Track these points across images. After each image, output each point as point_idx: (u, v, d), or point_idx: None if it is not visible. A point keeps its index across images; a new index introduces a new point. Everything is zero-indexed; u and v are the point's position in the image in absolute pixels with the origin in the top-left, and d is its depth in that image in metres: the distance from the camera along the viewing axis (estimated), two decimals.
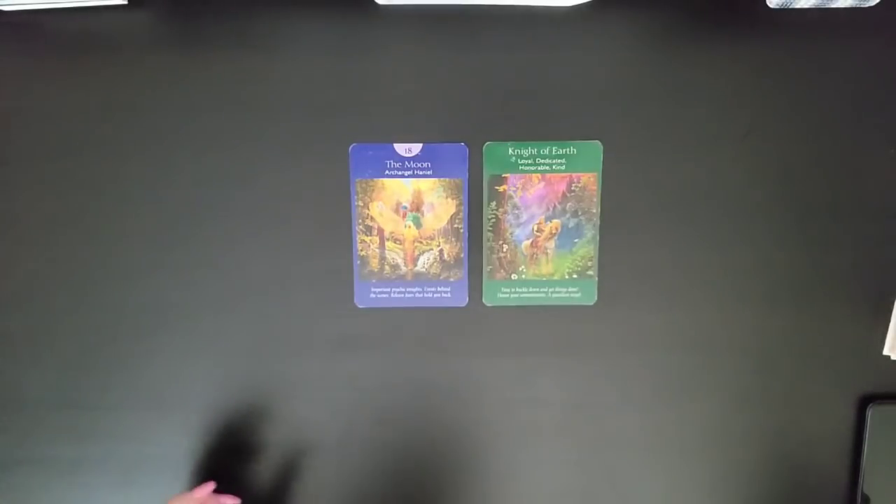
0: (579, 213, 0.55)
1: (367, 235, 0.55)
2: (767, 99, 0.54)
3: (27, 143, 0.54)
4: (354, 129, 0.54)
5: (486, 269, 0.56)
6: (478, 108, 0.54)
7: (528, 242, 0.56)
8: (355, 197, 0.55)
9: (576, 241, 0.56)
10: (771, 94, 0.54)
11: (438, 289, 0.56)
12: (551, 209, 0.55)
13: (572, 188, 0.55)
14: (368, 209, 0.55)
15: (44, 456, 0.57)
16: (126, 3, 0.51)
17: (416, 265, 0.56)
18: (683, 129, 0.54)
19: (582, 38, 0.53)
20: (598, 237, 0.55)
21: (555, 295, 0.56)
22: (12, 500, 0.57)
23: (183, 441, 0.57)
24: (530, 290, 0.56)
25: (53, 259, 0.55)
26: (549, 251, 0.56)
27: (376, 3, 0.51)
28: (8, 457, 0.57)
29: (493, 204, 0.55)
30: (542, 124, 0.54)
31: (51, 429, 0.57)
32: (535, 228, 0.56)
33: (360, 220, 0.55)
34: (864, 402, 0.56)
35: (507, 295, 0.56)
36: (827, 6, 0.51)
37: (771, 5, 0.51)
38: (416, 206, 0.55)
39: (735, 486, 0.58)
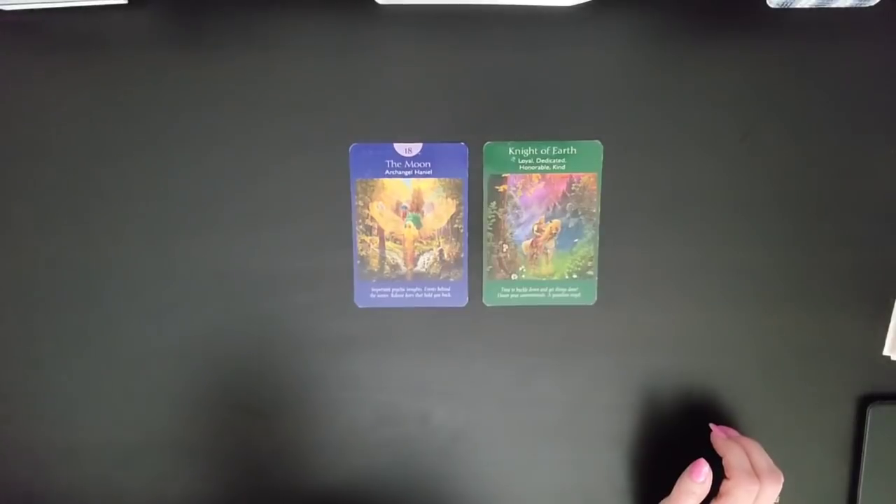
0: (579, 213, 0.55)
1: (367, 235, 0.55)
2: (767, 99, 0.54)
3: (27, 143, 0.54)
4: (354, 129, 0.54)
5: (486, 269, 0.56)
6: (478, 108, 0.54)
7: (528, 242, 0.56)
8: (355, 197, 0.55)
9: (576, 241, 0.56)
10: (771, 94, 0.54)
11: (438, 289, 0.56)
12: (551, 209, 0.55)
13: (572, 188, 0.55)
14: (368, 209, 0.55)
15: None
16: (126, 2, 0.51)
17: (416, 265, 0.56)
18: (683, 129, 0.54)
19: (582, 38, 0.53)
20: (598, 237, 0.55)
21: (555, 295, 0.56)
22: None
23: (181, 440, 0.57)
24: (530, 290, 0.56)
25: (51, 259, 0.55)
26: (549, 251, 0.56)
27: (376, 3, 0.51)
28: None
29: (493, 204, 0.55)
30: (542, 124, 0.54)
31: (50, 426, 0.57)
32: (535, 228, 0.56)
33: (360, 220, 0.55)
34: (864, 402, 0.56)
35: (507, 295, 0.56)
36: (827, 6, 0.51)
37: (771, 5, 0.51)
38: (416, 206, 0.55)
39: None
